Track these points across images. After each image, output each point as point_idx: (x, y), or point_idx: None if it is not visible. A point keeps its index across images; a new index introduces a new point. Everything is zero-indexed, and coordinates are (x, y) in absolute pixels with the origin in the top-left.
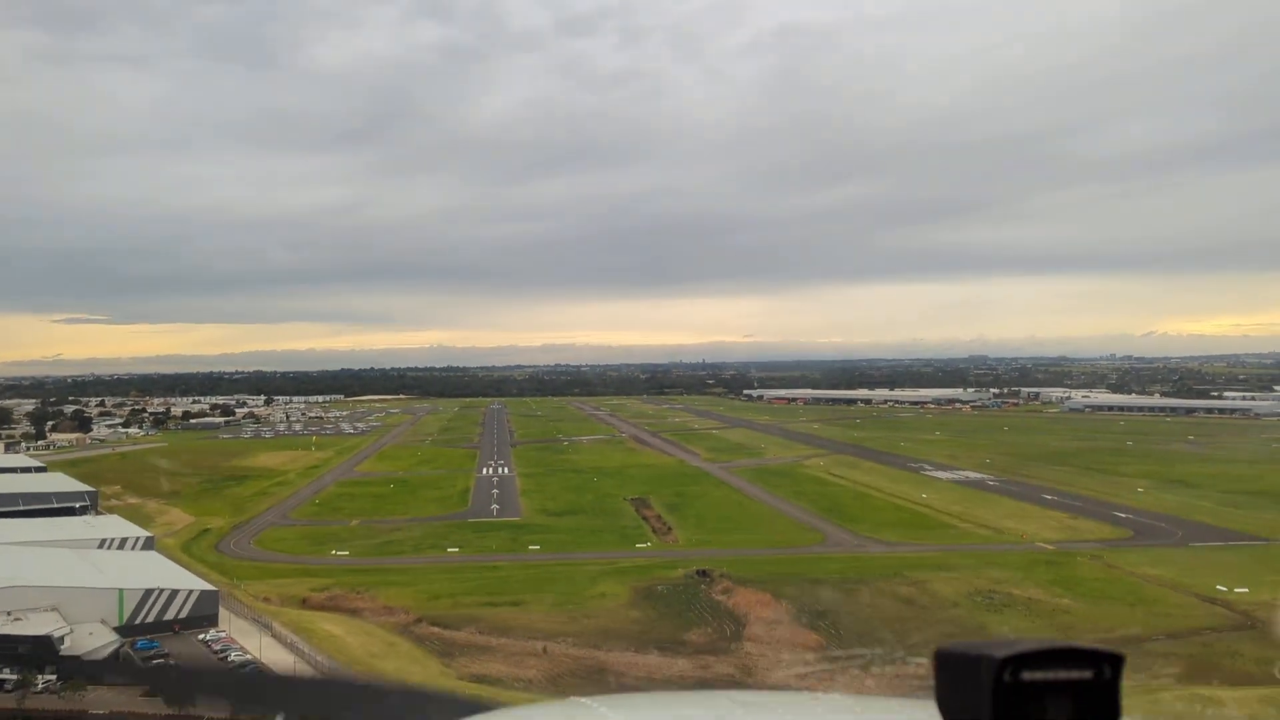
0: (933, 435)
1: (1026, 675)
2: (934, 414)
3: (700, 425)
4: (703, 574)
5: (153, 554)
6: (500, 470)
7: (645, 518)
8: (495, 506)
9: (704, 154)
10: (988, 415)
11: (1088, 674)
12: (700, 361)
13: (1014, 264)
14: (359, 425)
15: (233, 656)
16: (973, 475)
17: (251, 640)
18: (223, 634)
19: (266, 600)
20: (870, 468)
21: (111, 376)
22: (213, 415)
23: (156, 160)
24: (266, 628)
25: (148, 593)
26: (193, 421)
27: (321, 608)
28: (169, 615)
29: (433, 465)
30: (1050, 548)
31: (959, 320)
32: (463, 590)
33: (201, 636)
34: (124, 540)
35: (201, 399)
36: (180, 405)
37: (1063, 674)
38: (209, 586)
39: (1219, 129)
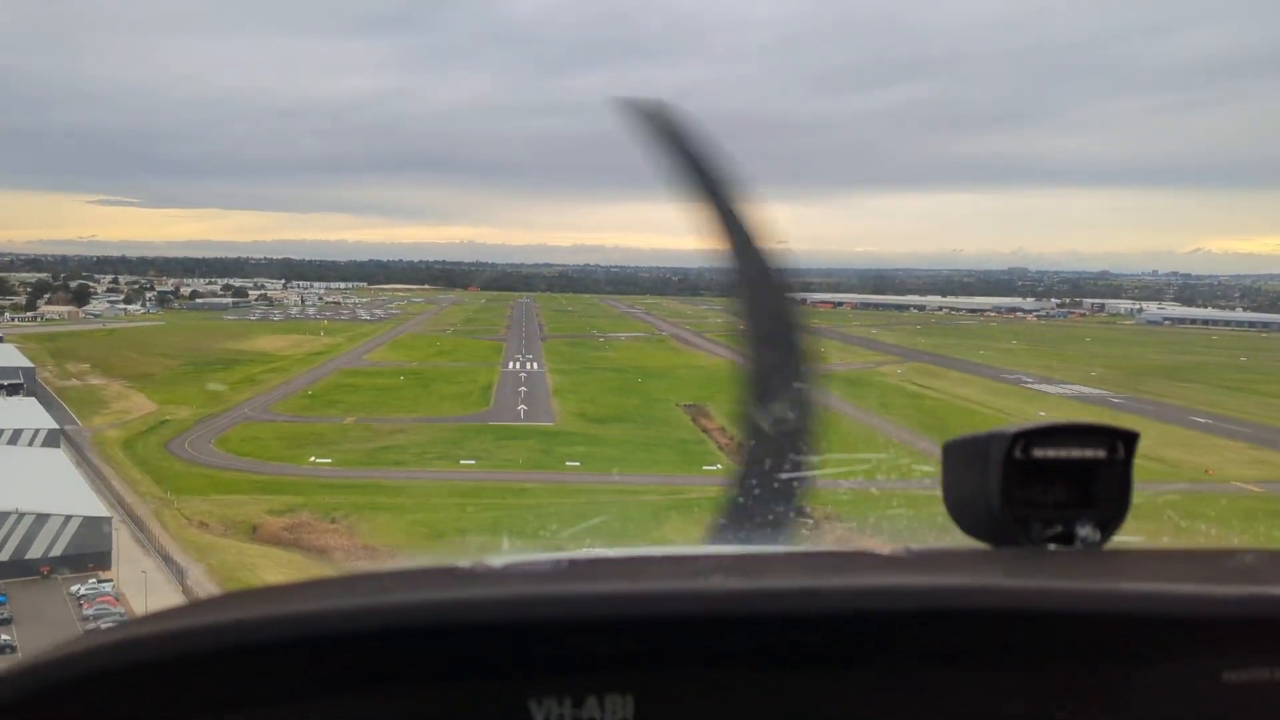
0: (1009, 344)
1: (1038, 452)
2: (997, 322)
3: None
4: (801, 513)
5: (56, 453)
6: (529, 366)
7: (707, 431)
8: (523, 408)
9: (750, 52)
10: (1057, 325)
11: (1101, 452)
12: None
13: (1059, 176)
14: (377, 312)
15: (104, 623)
16: (1087, 390)
17: (152, 595)
18: (106, 585)
19: (203, 526)
20: (959, 378)
21: (139, 258)
22: (223, 295)
23: (191, 41)
24: (182, 575)
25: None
26: (198, 301)
27: (275, 542)
28: (34, 551)
29: (452, 356)
30: (1257, 489)
31: (998, 233)
32: (477, 525)
33: (75, 587)
34: (17, 434)
35: (219, 280)
36: (195, 285)
37: (1075, 452)
38: (99, 512)
39: None
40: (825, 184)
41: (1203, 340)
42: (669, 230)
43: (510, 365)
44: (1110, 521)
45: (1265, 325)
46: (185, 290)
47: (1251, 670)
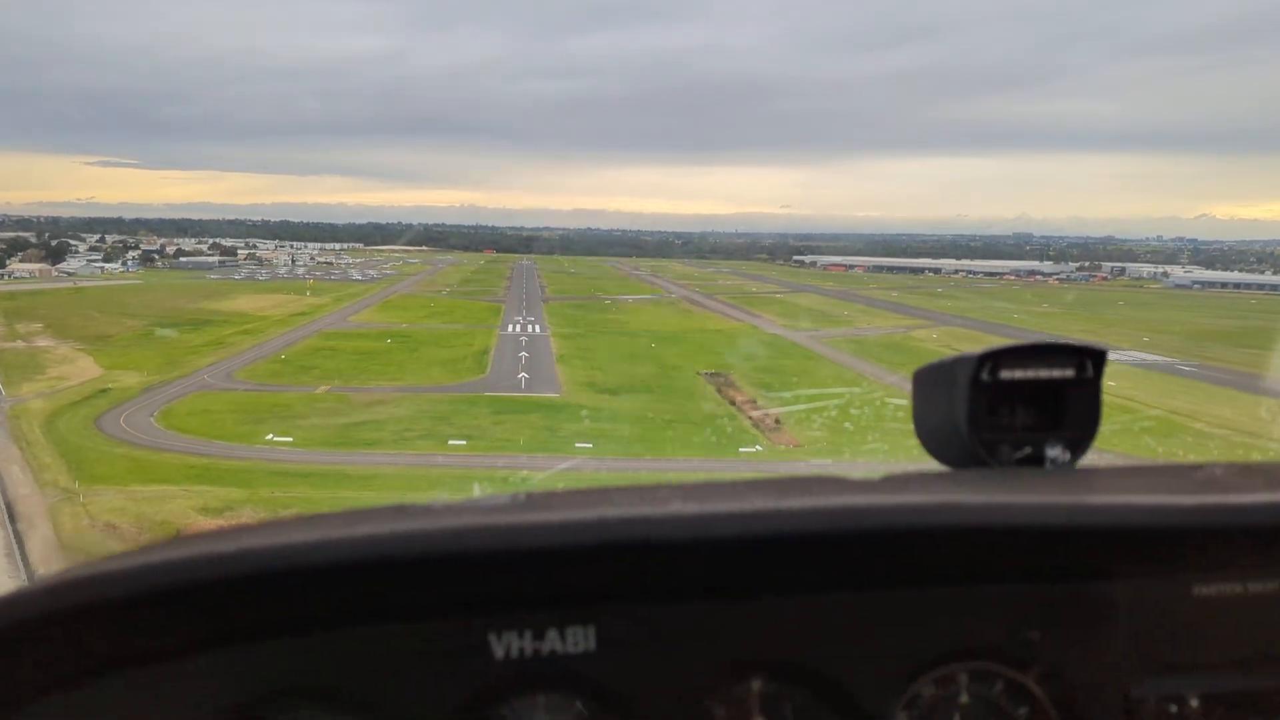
0: (1041, 307)
1: (1005, 374)
2: (1019, 285)
3: (758, 289)
4: None
5: None
6: (530, 328)
7: (736, 404)
8: (523, 375)
9: (757, 14)
10: (1081, 288)
11: (1069, 371)
12: (735, 231)
13: (1063, 140)
14: (370, 273)
15: None
16: (1148, 357)
17: None
18: None
19: (109, 530)
20: (1000, 341)
21: (134, 219)
22: (209, 255)
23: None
24: None
25: None
26: (183, 260)
27: None
28: None
29: (446, 318)
30: None
31: (1001, 198)
32: None
33: None
34: None
35: (209, 240)
36: (184, 245)
37: (1043, 372)
38: None
39: None
40: (828, 148)
41: (1241, 304)
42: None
43: (510, 328)
44: (1080, 442)
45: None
46: (170, 249)
47: (1221, 583)
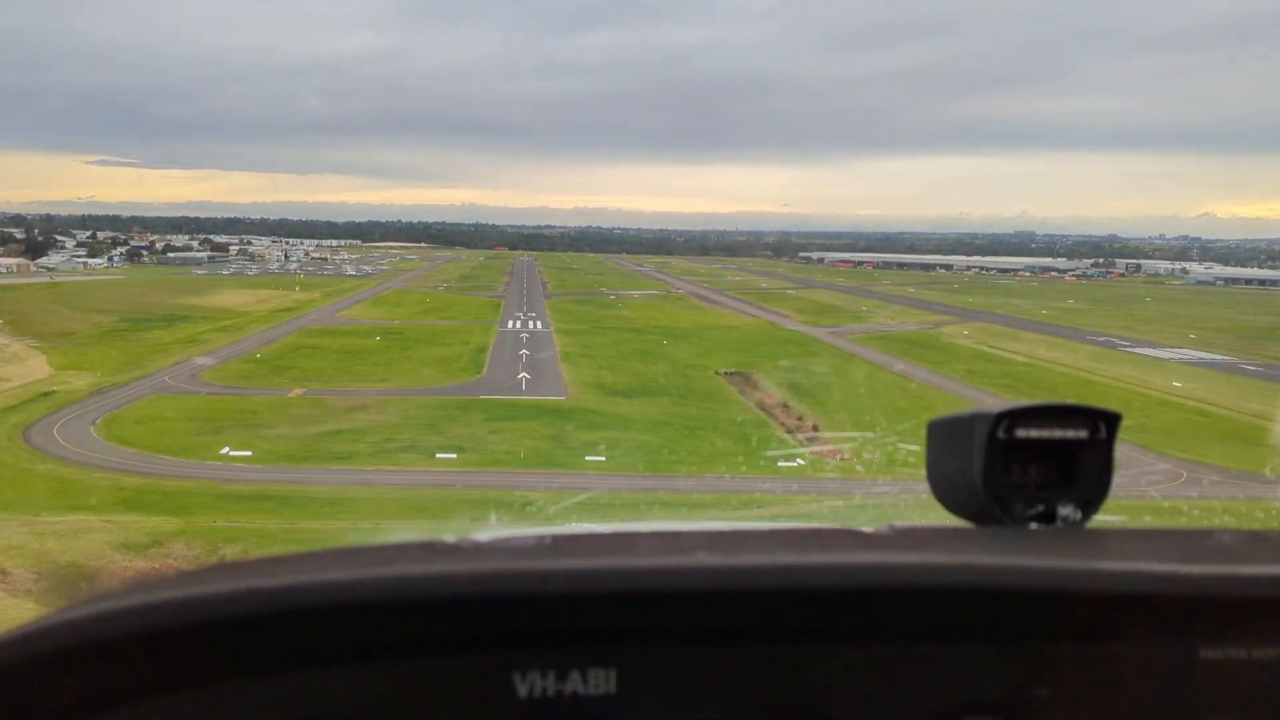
0: (1066, 303)
1: (1020, 433)
2: (1036, 281)
3: (769, 285)
4: None
5: None
6: (531, 325)
7: (765, 408)
8: (524, 376)
9: (758, 11)
10: (1101, 285)
11: (1083, 433)
12: (736, 230)
13: (1065, 139)
14: (365, 268)
15: None
16: (1204, 355)
17: None
18: None
19: (0, 577)
20: (1038, 340)
21: (130, 218)
22: (200, 250)
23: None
24: None
25: None
26: (171, 255)
27: None
28: None
29: (442, 314)
30: None
31: (1002, 196)
32: None
33: None
34: None
35: (207, 237)
36: (176, 241)
37: (1058, 432)
38: None
39: None
40: (830, 146)
41: (1274, 300)
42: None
43: (510, 324)
44: (1091, 501)
45: None
46: (159, 246)
47: (1227, 648)
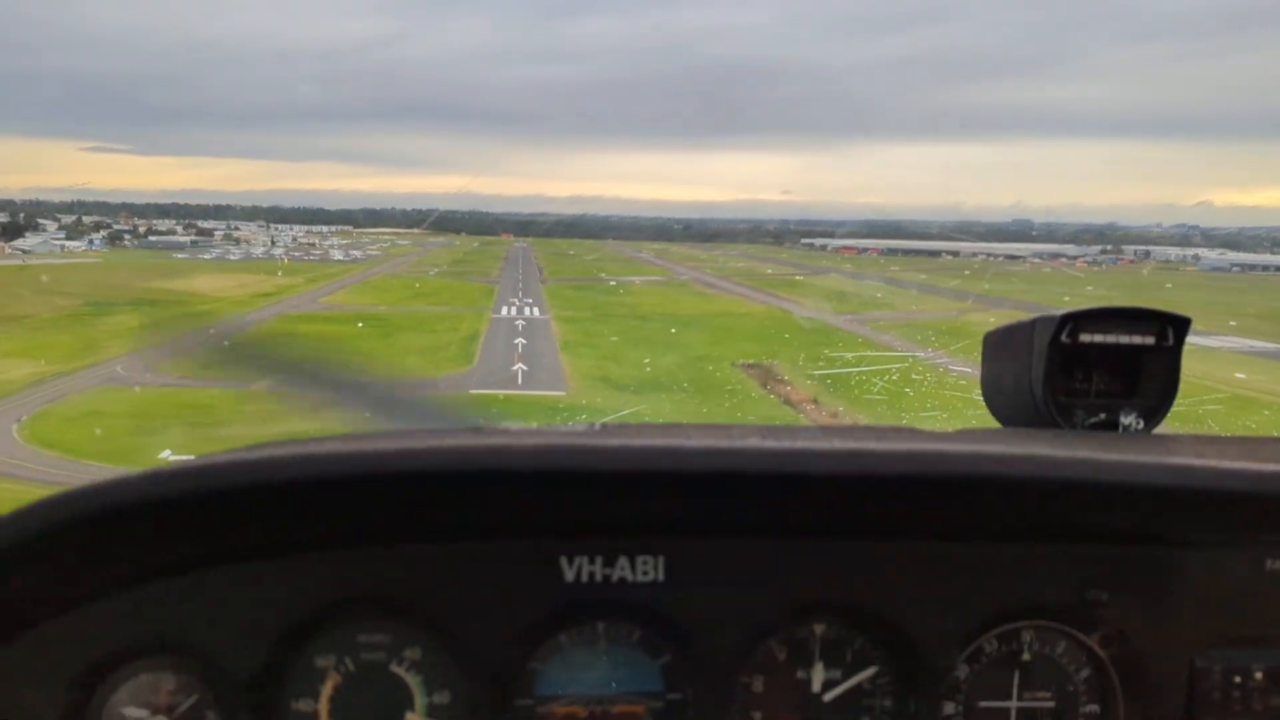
0: (1086, 290)
1: (1085, 337)
2: (1050, 268)
3: (774, 271)
4: None
5: None
6: (528, 311)
7: (792, 404)
8: (520, 368)
9: None
10: (1113, 272)
11: (1150, 338)
12: (735, 217)
13: (1063, 127)
14: (354, 253)
15: None
16: (1256, 344)
17: None
18: None
19: None
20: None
21: (121, 204)
22: (184, 234)
23: None
24: None
25: None
26: (153, 239)
27: None
28: None
29: (432, 300)
30: None
31: (1000, 184)
32: None
33: None
34: None
35: (193, 222)
36: (160, 226)
37: (1124, 338)
38: None
39: None
40: (828, 134)
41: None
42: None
43: (504, 310)
44: (1155, 410)
45: None
46: (142, 230)
47: None
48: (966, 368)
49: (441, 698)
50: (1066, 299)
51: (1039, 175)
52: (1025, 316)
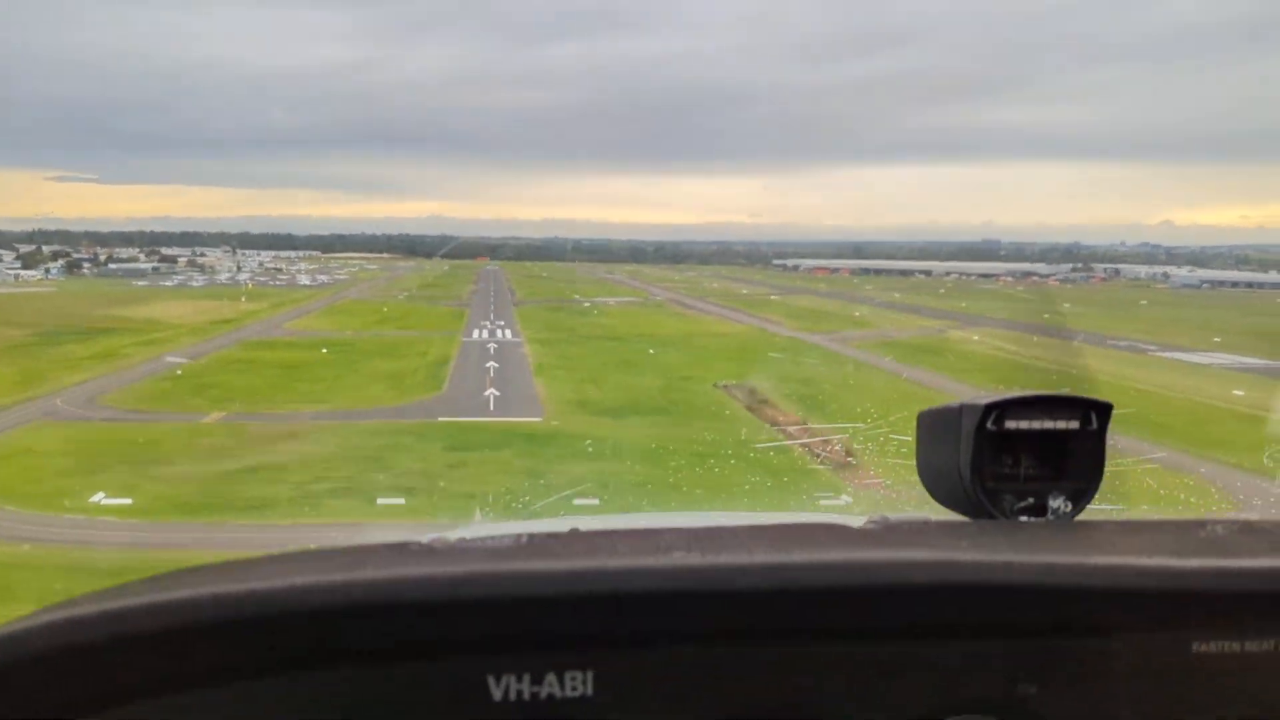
0: (1062, 308)
1: (1010, 424)
2: (1022, 286)
3: (749, 291)
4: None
5: None
6: (500, 334)
7: (780, 426)
8: (492, 393)
9: (724, 21)
10: (1086, 289)
11: (1074, 424)
12: (705, 240)
13: (1029, 148)
14: (321, 278)
15: None
16: (1243, 360)
17: None
18: None
19: None
20: (1055, 344)
21: (84, 233)
22: (147, 261)
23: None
24: None
25: None
26: (113, 267)
27: None
28: None
29: (400, 324)
30: None
31: (968, 205)
32: None
33: None
34: None
35: (156, 249)
36: (122, 253)
37: (1049, 423)
38: None
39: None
40: (796, 157)
41: (1267, 302)
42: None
43: (475, 334)
44: (1082, 493)
45: None
46: (103, 258)
47: (1221, 641)
48: (961, 385)
49: None
50: (1045, 316)
51: (1008, 196)
52: (1025, 336)
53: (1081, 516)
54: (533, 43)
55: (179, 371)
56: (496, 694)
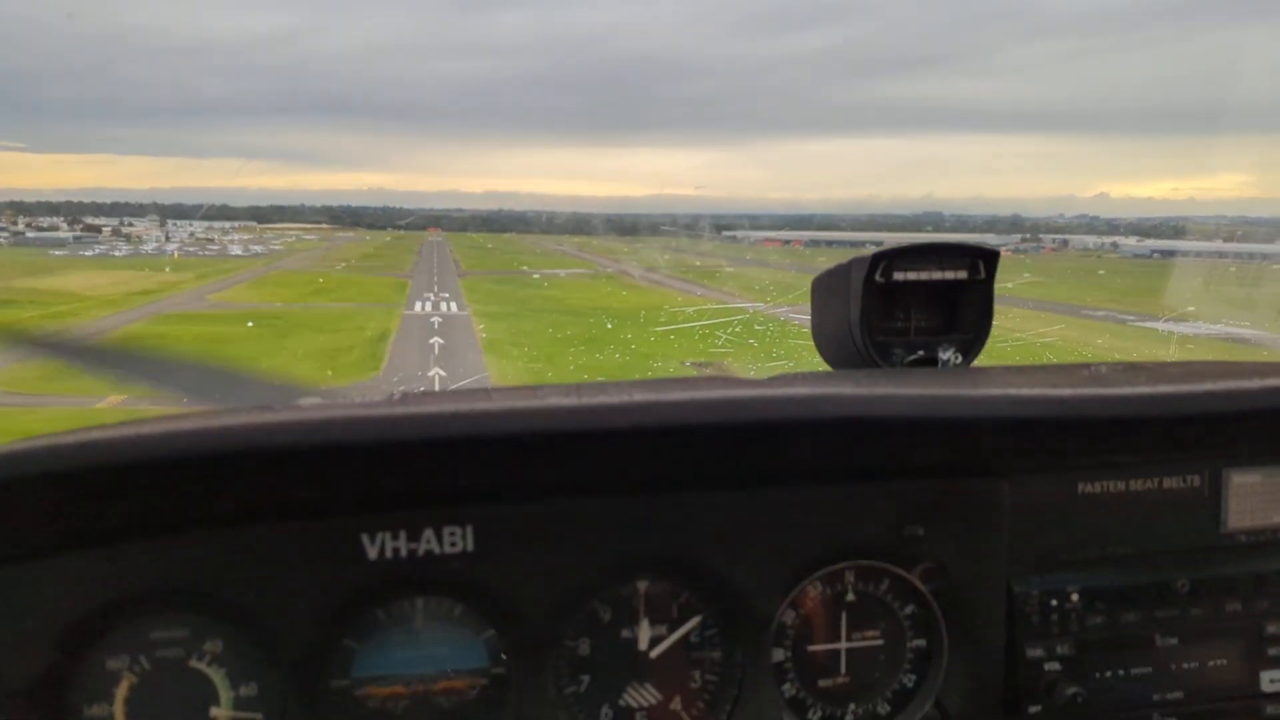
0: (1023, 277)
1: (899, 275)
2: None
3: (702, 263)
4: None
5: None
6: (445, 307)
7: None
8: (437, 372)
9: None
10: (1040, 259)
11: (962, 274)
12: (650, 213)
13: (968, 121)
14: (255, 248)
15: None
16: (1240, 331)
17: None
18: None
19: None
20: (1034, 316)
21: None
22: (70, 229)
23: None
24: None
25: None
26: (30, 236)
27: None
28: None
29: (335, 296)
30: None
31: (908, 177)
32: None
33: None
34: None
35: (81, 218)
36: (42, 223)
37: (936, 274)
38: None
39: None
40: (742, 129)
41: (1220, 271)
42: (586, 176)
43: (418, 306)
44: (972, 344)
45: (1250, 255)
46: (21, 226)
47: (1104, 480)
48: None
49: (249, 690)
50: (1009, 285)
51: (947, 168)
52: (1000, 308)
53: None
54: (478, 10)
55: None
56: (372, 553)
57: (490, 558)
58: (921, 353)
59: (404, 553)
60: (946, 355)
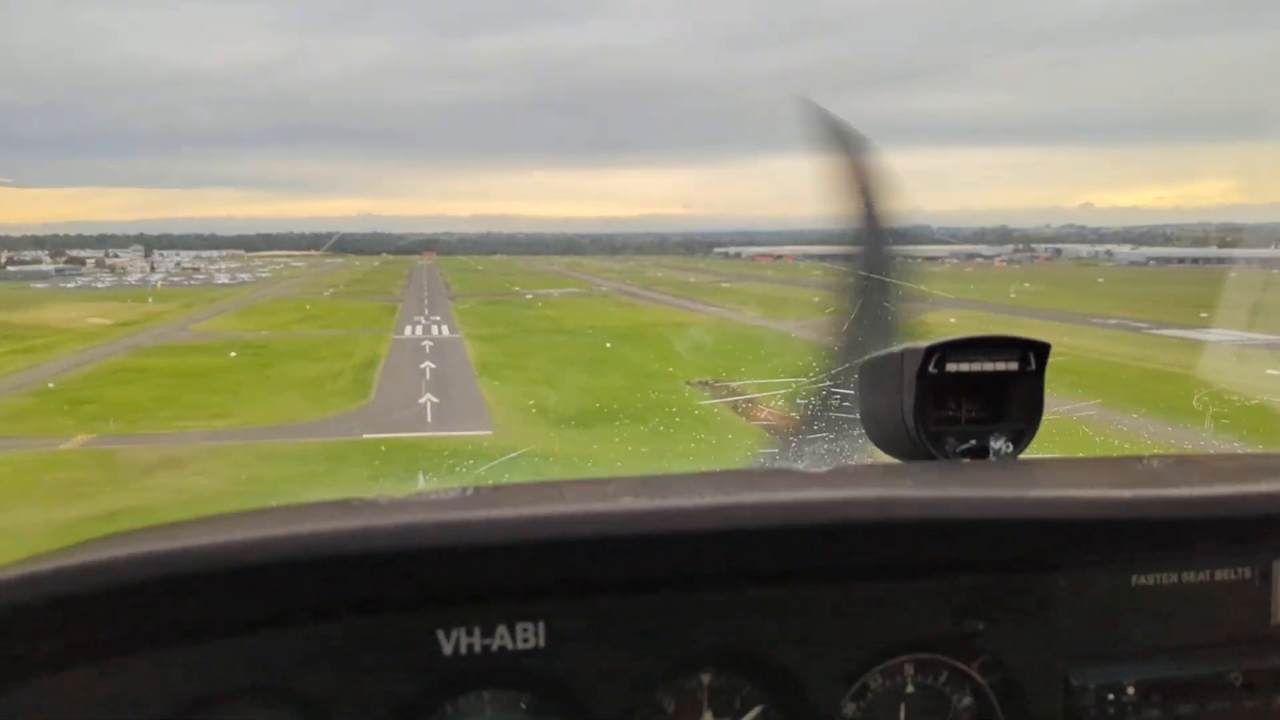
0: (1024, 286)
1: (951, 366)
2: (971, 267)
3: (696, 280)
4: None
5: None
6: (436, 330)
7: (776, 432)
8: (429, 399)
9: (656, 12)
10: (1036, 269)
11: (1013, 365)
12: (641, 232)
13: (952, 134)
14: (241, 276)
15: None
16: (1258, 337)
17: None
18: None
19: None
20: (1044, 327)
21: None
22: (53, 262)
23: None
24: None
25: None
26: (11, 269)
27: None
28: None
29: (323, 323)
30: None
31: (896, 190)
32: None
33: None
34: None
35: (65, 251)
36: (27, 256)
37: (988, 365)
38: None
39: None
40: (729, 147)
41: (1218, 277)
42: (576, 197)
43: (409, 330)
44: (1023, 433)
45: (1248, 260)
46: (2, 260)
47: (1157, 573)
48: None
49: None
50: (1012, 295)
51: (933, 182)
52: (994, 316)
53: (1022, 457)
54: (461, 34)
55: (50, 385)
56: (447, 648)
57: (559, 652)
58: (974, 441)
59: (478, 648)
60: (998, 445)
